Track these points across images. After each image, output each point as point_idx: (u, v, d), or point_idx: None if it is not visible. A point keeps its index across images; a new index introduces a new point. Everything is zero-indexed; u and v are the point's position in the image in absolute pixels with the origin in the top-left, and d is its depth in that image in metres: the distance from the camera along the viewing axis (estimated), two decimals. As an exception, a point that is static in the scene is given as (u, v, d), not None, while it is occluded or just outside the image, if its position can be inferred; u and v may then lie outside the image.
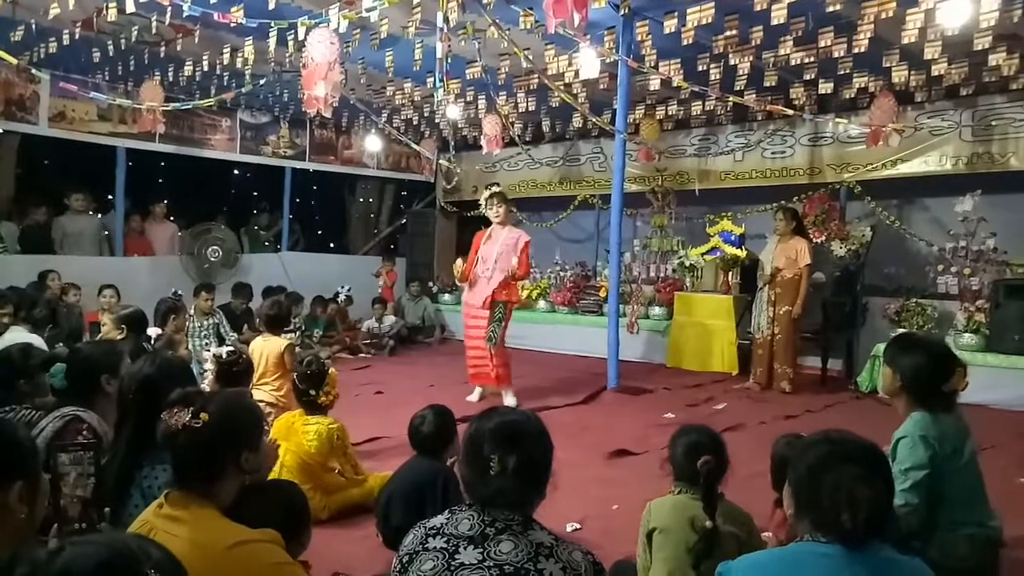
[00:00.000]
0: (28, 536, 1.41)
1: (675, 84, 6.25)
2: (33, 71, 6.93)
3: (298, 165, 10.34)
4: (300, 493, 2.24)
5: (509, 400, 5.83)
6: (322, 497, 3.37)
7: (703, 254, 7.98)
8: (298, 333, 7.96)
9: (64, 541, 1.00)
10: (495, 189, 6.06)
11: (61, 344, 4.78)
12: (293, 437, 3.48)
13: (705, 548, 2.08)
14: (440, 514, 1.69)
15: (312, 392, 3.57)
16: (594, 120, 7.37)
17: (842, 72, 6.08)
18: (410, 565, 1.61)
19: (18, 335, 4.48)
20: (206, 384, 3.56)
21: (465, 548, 1.57)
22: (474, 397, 5.98)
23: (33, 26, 5.87)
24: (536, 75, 6.60)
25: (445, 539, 1.61)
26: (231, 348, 3.76)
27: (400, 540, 1.71)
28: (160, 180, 10.71)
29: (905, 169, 7.59)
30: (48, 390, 2.59)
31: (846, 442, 1.62)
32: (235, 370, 3.49)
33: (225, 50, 6.30)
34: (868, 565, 1.51)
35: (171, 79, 7.39)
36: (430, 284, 10.56)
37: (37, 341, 4.19)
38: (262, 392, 4.52)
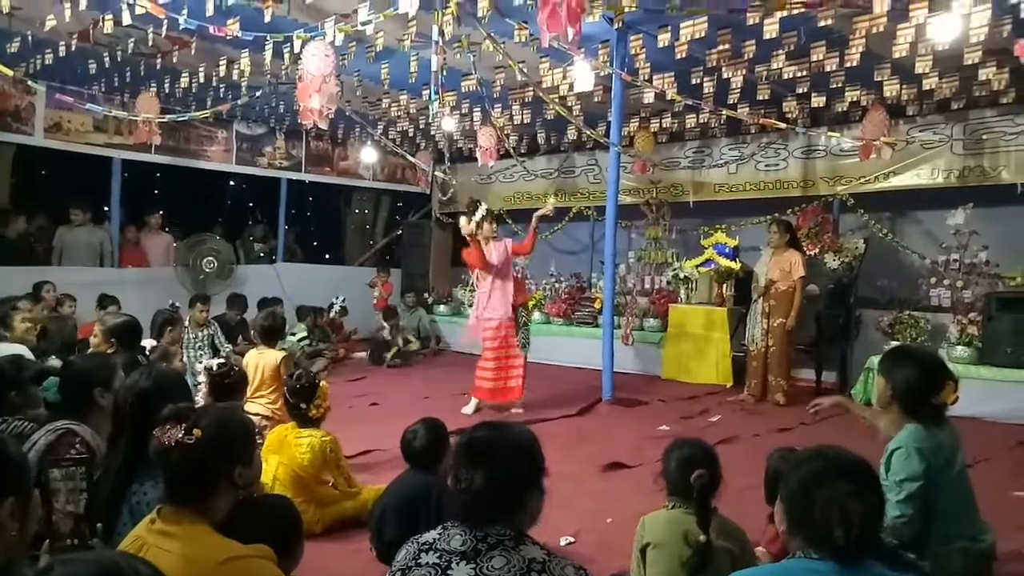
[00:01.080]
0: (19, 552, 1.40)
1: (669, 97, 6.30)
2: (29, 82, 6.93)
3: (294, 176, 10.36)
4: (292, 508, 2.23)
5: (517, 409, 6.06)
6: (316, 510, 3.36)
7: (697, 266, 8.00)
8: (308, 341, 8.01)
9: (53, 559, 1.00)
10: (488, 209, 6.12)
11: (54, 356, 4.75)
12: (286, 450, 3.47)
13: (699, 562, 2.08)
14: (433, 529, 1.69)
15: (303, 406, 3.56)
16: (589, 132, 7.40)
17: (834, 86, 6.13)
18: (403, 581, 1.61)
19: (8, 348, 4.43)
20: (200, 397, 3.55)
21: (458, 564, 1.57)
22: (469, 409, 5.97)
23: (29, 37, 5.88)
24: (531, 88, 6.64)
25: (438, 554, 1.60)
26: (222, 360, 3.75)
27: (393, 554, 1.71)
28: (156, 191, 10.71)
29: (897, 182, 7.64)
30: (40, 401, 2.58)
31: (838, 458, 1.63)
32: (227, 382, 3.47)
33: (221, 62, 6.32)
34: (860, 581, 1.51)
35: (167, 91, 7.40)
36: (425, 295, 10.55)
37: (23, 351, 4.15)
38: (258, 405, 4.52)
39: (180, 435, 1.69)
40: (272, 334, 4.91)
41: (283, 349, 5.48)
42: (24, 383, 2.67)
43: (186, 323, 6.59)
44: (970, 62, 5.23)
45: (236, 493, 1.80)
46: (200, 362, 6.48)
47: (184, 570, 1.55)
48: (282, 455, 3.45)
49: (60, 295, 6.87)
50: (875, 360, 6.39)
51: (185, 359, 6.12)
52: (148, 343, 4.91)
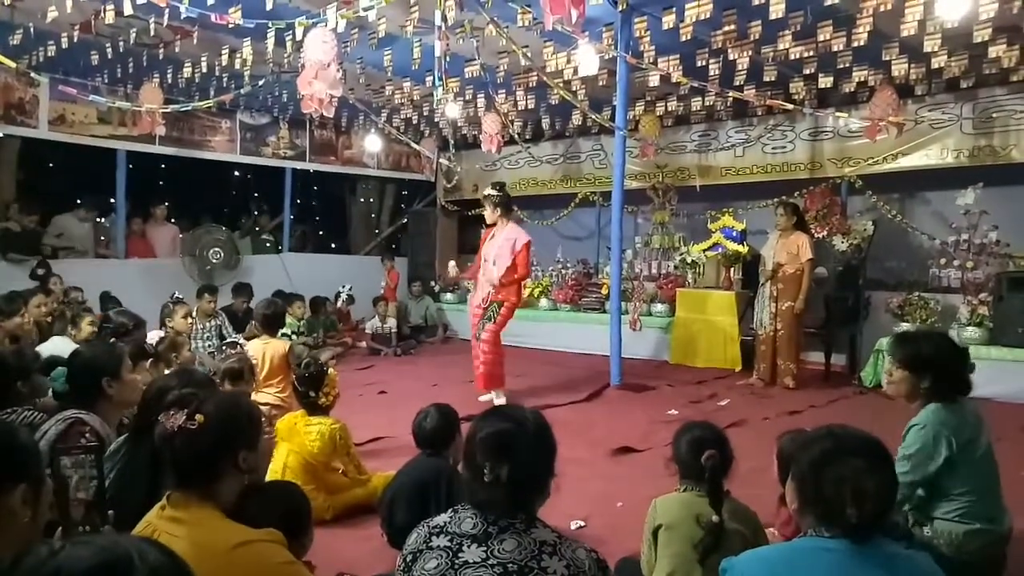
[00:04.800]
0: (33, 539, 1.41)
1: (674, 80, 6.24)
2: (32, 74, 6.93)
3: (298, 166, 10.34)
4: (301, 494, 2.23)
5: (498, 401, 5.60)
6: (326, 497, 3.37)
7: (705, 250, 7.96)
8: (299, 334, 7.95)
9: (67, 540, 0.99)
10: (486, 192, 6.05)
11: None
12: (296, 438, 3.47)
13: (711, 543, 2.08)
14: (444, 513, 1.69)
15: (312, 393, 3.56)
16: (594, 117, 7.35)
17: (841, 66, 6.05)
18: (414, 564, 1.61)
19: (60, 344, 4.44)
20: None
21: (469, 546, 1.57)
22: (486, 396, 5.93)
23: (31, 29, 5.87)
24: (535, 73, 6.59)
25: (449, 537, 1.60)
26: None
27: (404, 539, 1.71)
28: (160, 182, 10.73)
29: (906, 163, 7.57)
30: (45, 390, 2.59)
31: (849, 436, 1.62)
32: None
33: (223, 51, 6.30)
34: (874, 559, 1.50)
35: (170, 81, 7.39)
36: (432, 283, 10.56)
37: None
38: (267, 394, 4.54)
39: (183, 420, 1.69)
40: (273, 323, 4.93)
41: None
42: (28, 371, 2.68)
43: (193, 313, 6.60)
44: (980, 40, 5.16)
45: (242, 478, 1.80)
46: (208, 352, 6.53)
47: (194, 555, 1.54)
48: (292, 443, 3.45)
49: (68, 286, 6.92)
50: (885, 342, 6.37)
51: (193, 349, 6.13)
52: (155, 335, 4.94)
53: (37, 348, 4.25)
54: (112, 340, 4.42)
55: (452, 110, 8.09)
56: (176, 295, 6.30)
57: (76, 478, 2.13)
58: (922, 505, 2.49)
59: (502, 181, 6.59)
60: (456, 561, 1.55)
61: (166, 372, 2.87)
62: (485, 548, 1.55)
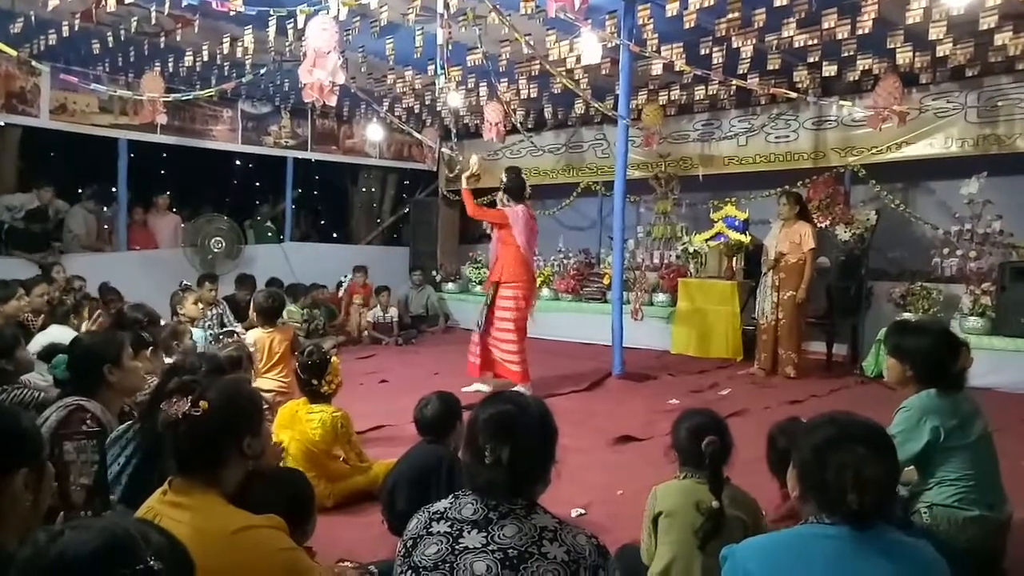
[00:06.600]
0: (35, 524, 1.41)
1: (677, 68, 6.20)
2: (33, 63, 6.91)
3: (300, 155, 10.32)
4: (305, 481, 2.23)
5: (481, 386, 5.75)
6: (327, 485, 3.38)
7: (707, 240, 7.95)
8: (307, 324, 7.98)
9: (66, 524, 1.00)
10: (501, 177, 6.07)
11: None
12: (297, 425, 3.48)
13: (711, 529, 2.08)
14: (444, 499, 1.69)
15: (314, 382, 3.57)
16: (596, 106, 7.32)
17: (846, 54, 6.00)
18: (414, 549, 1.61)
19: (59, 332, 4.45)
20: None
21: (469, 532, 1.57)
22: (485, 387, 5.94)
23: (32, 18, 5.85)
24: (537, 61, 6.56)
25: (449, 523, 1.60)
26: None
27: (405, 526, 1.71)
28: (162, 172, 10.72)
29: (910, 152, 7.53)
30: (30, 363, 2.59)
31: (852, 423, 1.61)
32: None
33: (225, 40, 6.27)
34: (875, 546, 1.50)
35: (171, 70, 7.37)
36: (433, 273, 10.55)
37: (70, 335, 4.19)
38: (270, 380, 4.56)
39: (187, 407, 1.69)
40: (272, 314, 4.96)
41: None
42: (8, 349, 2.69)
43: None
44: (985, 27, 5.11)
45: (246, 464, 1.80)
46: (209, 340, 6.54)
47: (196, 541, 1.54)
48: (293, 430, 3.46)
49: (70, 276, 6.94)
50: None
51: (195, 337, 6.14)
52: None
53: (36, 336, 4.27)
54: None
55: (454, 99, 8.04)
56: (184, 283, 6.33)
57: (78, 463, 2.14)
58: (919, 492, 2.50)
59: (517, 167, 6.45)
60: (456, 547, 1.56)
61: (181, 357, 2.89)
62: (485, 534, 1.56)
